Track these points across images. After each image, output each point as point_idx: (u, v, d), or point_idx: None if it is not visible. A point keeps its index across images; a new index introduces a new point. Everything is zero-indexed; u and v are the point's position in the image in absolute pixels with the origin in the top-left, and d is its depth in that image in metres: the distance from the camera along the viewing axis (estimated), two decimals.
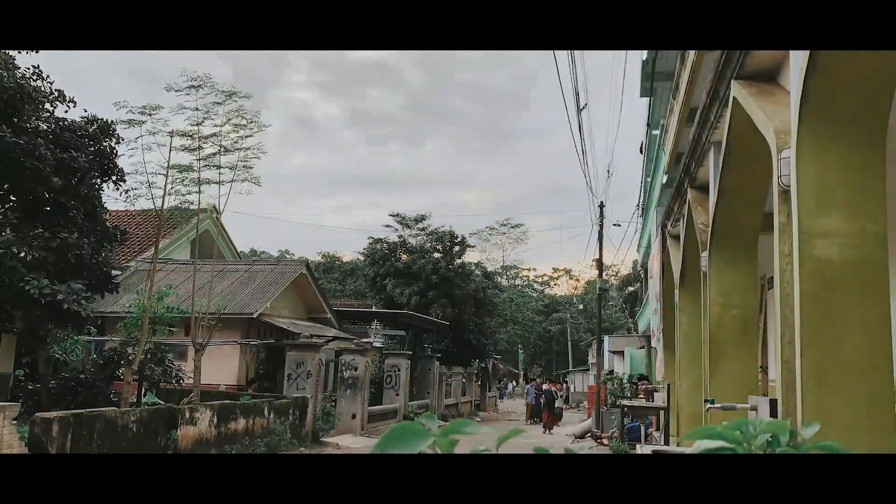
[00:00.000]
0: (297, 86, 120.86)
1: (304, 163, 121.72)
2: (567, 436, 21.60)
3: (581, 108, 18.84)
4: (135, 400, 14.29)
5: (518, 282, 68.87)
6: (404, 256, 32.53)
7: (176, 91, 14.36)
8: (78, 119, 14.50)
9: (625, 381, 21.66)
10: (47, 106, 13.94)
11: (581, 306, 64.25)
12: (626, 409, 15.21)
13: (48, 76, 13.76)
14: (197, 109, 14.50)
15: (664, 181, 18.47)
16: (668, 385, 12.87)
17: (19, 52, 13.31)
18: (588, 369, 42.96)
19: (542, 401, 27.40)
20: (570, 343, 60.01)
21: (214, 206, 17.65)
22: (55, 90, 13.98)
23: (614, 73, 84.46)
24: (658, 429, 14.79)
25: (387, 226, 34.55)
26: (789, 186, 5.17)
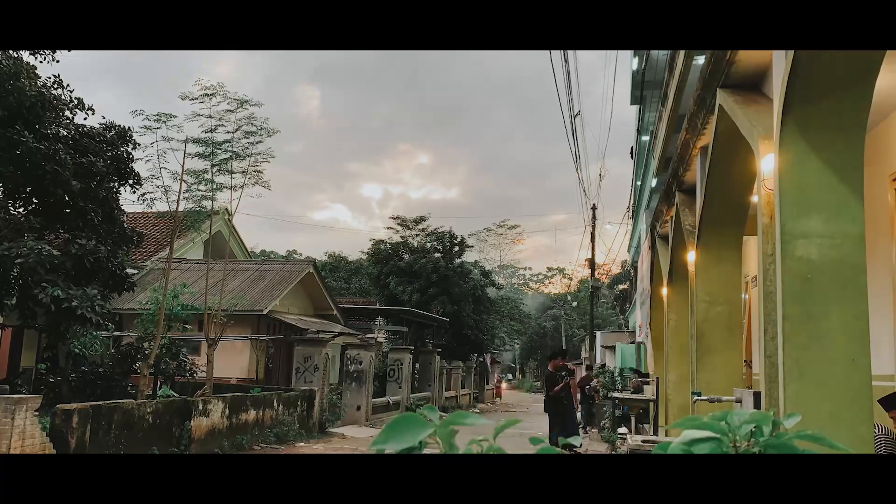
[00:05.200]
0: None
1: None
2: None
3: (575, 114, 18.80)
4: (150, 392, 14.29)
5: (514, 280, 68.82)
6: (406, 256, 32.55)
7: (191, 100, 14.34)
8: (96, 125, 14.50)
9: (616, 374, 21.64)
10: (67, 113, 13.95)
11: (575, 304, 64.17)
12: (616, 401, 15.21)
13: (68, 84, 13.78)
14: (210, 117, 14.48)
15: (653, 185, 18.48)
16: (657, 378, 12.88)
17: (40, 62, 13.32)
18: (581, 363, 42.93)
19: None
20: (564, 338, 59.98)
21: (227, 209, 17.65)
22: (74, 98, 13.99)
23: (605, 82, 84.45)
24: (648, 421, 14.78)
25: (388, 227, 34.61)
26: (772, 189, 5.17)
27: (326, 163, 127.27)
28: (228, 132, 14.72)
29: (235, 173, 14.89)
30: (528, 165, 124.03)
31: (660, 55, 15.61)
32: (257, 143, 14.89)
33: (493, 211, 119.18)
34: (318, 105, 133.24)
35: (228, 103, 14.48)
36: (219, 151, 14.69)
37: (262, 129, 14.86)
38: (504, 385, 46.97)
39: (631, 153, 28.84)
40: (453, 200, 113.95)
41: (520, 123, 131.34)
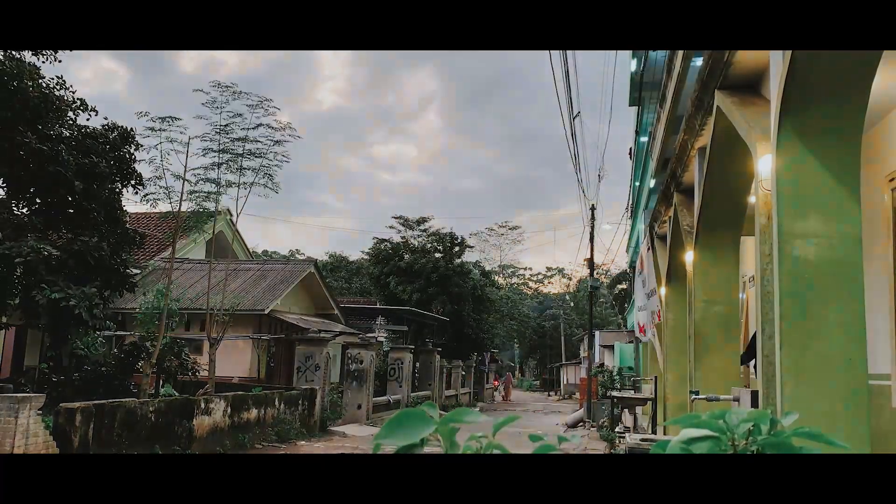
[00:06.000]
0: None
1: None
2: (558, 425, 21.59)
3: (574, 115, 18.80)
4: (153, 391, 14.29)
5: (514, 280, 68.79)
6: (407, 256, 32.56)
7: (203, 100, 14.26)
8: (99, 126, 14.48)
9: (615, 373, 21.66)
10: (70, 114, 13.94)
11: (573, 304, 64.12)
12: (615, 399, 15.21)
13: (71, 85, 13.77)
14: (220, 112, 14.38)
15: (652, 185, 18.49)
16: (655, 377, 12.87)
17: (43, 63, 13.31)
18: (580, 362, 42.94)
19: None
20: (563, 338, 59.96)
21: (229, 209, 17.62)
22: (77, 99, 13.98)
23: (604, 84, 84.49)
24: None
25: (390, 227, 34.61)
26: (769, 190, 5.17)
27: (328, 158, 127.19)
28: (243, 129, 14.60)
29: (245, 170, 14.77)
30: (548, 151, 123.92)
31: (658, 57, 15.62)
32: (275, 142, 14.75)
33: (512, 199, 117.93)
34: (327, 92, 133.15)
35: (243, 100, 14.35)
36: (227, 150, 14.58)
37: (284, 128, 14.72)
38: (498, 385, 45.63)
39: (630, 154, 28.85)
40: (471, 188, 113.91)
41: (540, 107, 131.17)
